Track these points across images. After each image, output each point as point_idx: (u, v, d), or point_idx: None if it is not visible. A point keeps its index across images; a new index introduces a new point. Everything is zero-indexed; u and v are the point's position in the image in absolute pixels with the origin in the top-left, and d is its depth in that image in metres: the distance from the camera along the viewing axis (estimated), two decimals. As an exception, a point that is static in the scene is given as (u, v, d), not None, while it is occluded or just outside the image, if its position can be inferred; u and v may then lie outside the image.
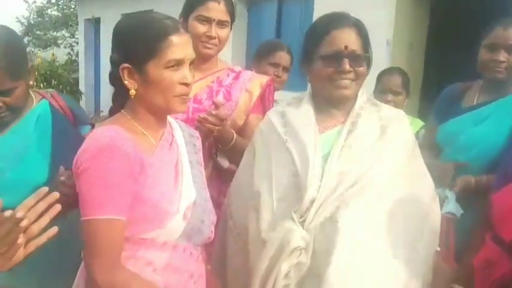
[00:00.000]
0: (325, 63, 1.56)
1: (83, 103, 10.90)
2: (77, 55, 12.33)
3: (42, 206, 0.99)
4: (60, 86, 10.13)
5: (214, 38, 1.95)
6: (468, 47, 2.34)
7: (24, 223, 0.95)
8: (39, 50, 14.22)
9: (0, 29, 1.53)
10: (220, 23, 1.95)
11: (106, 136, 1.28)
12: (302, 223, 1.47)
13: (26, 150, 1.58)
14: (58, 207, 1.02)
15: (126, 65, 1.33)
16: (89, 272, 1.26)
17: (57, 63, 11.61)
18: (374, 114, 1.65)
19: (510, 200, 1.59)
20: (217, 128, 1.83)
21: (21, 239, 0.96)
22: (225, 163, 2.01)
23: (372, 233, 1.48)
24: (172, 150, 1.45)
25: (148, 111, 1.39)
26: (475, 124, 2.13)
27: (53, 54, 12.84)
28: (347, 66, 1.54)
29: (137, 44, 1.32)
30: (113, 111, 1.45)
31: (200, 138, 1.64)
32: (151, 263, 1.33)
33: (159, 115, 1.43)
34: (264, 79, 2.11)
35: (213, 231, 1.49)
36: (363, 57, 1.58)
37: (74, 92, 10.48)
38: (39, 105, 1.68)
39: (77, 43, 12.72)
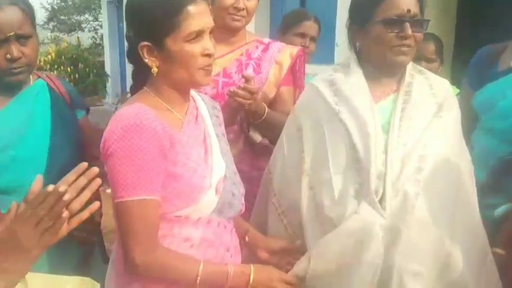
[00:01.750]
0: (387, 27, 1.48)
1: (109, 86, 11.02)
2: (101, 38, 12.41)
3: (82, 181, 0.99)
4: (87, 69, 10.25)
5: (242, 9, 1.90)
6: (502, 5, 2.21)
7: (66, 197, 0.95)
8: (65, 34, 14.38)
9: None
10: None
11: (132, 115, 1.25)
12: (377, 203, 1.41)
13: (26, 126, 1.59)
14: (98, 182, 1.01)
15: (145, 42, 1.29)
16: (126, 253, 1.26)
17: (82, 47, 11.74)
18: (424, 83, 1.61)
19: None
20: (248, 101, 1.79)
21: (65, 214, 0.96)
22: (257, 137, 1.98)
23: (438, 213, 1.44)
24: (199, 124, 1.43)
25: (172, 87, 1.36)
26: None
27: (77, 38, 12.99)
28: (409, 31, 1.47)
29: (153, 19, 1.27)
30: (133, 90, 1.42)
31: (221, 110, 1.60)
32: (188, 239, 1.33)
33: (183, 90, 1.39)
34: (294, 50, 2.05)
35: (244, 203, 1.47)
36: (423, 22, 1.53)
37: (100, 74, 10.59)
38: (37, 83, 1.69)
39: (101, 26, 12.80)
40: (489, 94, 2.07)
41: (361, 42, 1.59)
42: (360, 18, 1.56)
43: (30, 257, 0.96)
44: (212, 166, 1.37)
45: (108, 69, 11.23)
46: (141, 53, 1.30)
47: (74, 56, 10.22)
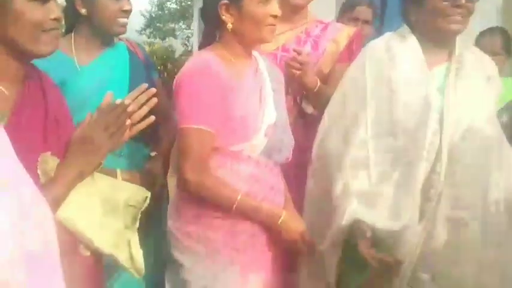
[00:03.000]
0: None
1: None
2: (192, 46, 13.06)
3: (143, 98, 1.21)
4: (176, 70, 10.84)
5: None
6: None
7: (130, 108, 1.18)
8: (159, 40, 15.32)
9: None
10: None
11: (201, 60, 1.54)
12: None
13: (107, 80, 1.81)
14: (155, 100, 1.23)
15: (225, 1, 1.54)
16: (180, 172, 1.50)
17: (174, 52, 12.43)
18: (476, 56, 1.71)
19: None
20: (297, 72, 1.93)
21: (128, 121, 1.19)
22: (309, 108, 2.11)
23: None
24: (258, 77, 1.65)
25: (240, 42, 1.60)
26: None
27: (169, 45, 13.84)
28: (462, 1, 1.56)
29: None
30: (202, 46, 1.65)
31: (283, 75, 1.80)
32: (237, 172, 1.54)
33: (249, 46, 1.64)
34: (352, 30, 2.17)
35: (291, 152, 1.67)
36: None
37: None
38: (119, 44, 1.94)
39: (192, 35, 13.49)
40: None
41: (416, 14, 1.68)
42: None
43: (100, 154, 1.19)
44: (264, 112, 1.59)
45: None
46: (219, 11, 1.55)
47: (164, 57, 10.91)
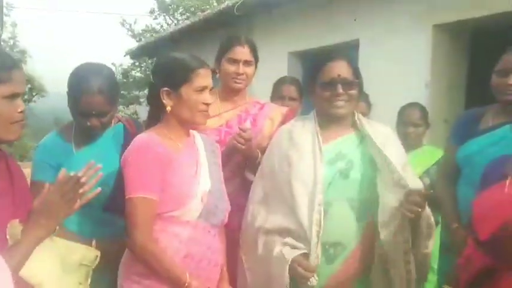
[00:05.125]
0: (324, 88, 1.95)
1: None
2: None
3: (91, 172, 1.49)
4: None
5: (242, 74, 2.41)
6: None
7: (83, 179, 1.45)
8: (124, 107, 15.60)
9: (102, 67, 2.10)
10: (246, 63, 2.41)
11: (143, 139, 1.82)
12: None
13: (103, 158, 1.95)
14: (100, 174, 1.50)
15: (166, 88, 1.84)
16: (129, 236, 1.73)
17: (138, 118, 12.72)
18: (372, 128, 2.02)
19: (483, 205, 1.82)
20: (242, 146, 2.24)
21: (81, 190, 1.45)
22: (251, 176, 2.40)
23: None
24: (194, 152, 1.93)
25: (178, 123, 1.89)
26: (491, 145, 2.26)
27: (134, 112, 14.16)
28: (340, 90, 1.92)
29: (176, 73, 1.84)
30: (147, 125, 1.95)
31: (222, 153, 2.13)
32: (177, 235, 1.79)
33: (186, 126, 1.92)
34: (285, 109, 2.54)
35: (227, 216, 1.93)
36: (354, 83, 1.96)
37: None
38: (116, 126, 2.19)
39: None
40: (470, 149, 2.35)
41: (313, 99, 2.05)
42: (310, 80, 2.04)
43: (58, 218, 1.43)
44: (199, 181, 1.86)
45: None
46: (161, 96, 1.83)
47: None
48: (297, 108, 2.99)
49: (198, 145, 1.97)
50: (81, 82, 2.00)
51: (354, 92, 1.95)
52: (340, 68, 1.95)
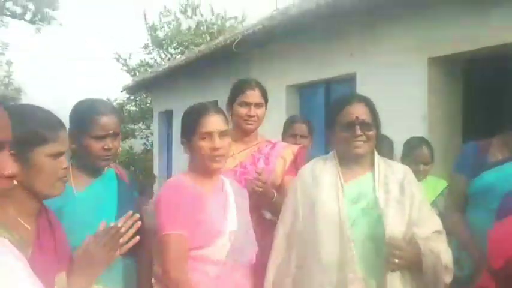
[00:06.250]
0: (343, 130, 2.04)
1: (156, 185, 11.81)
2: (152, 145, 13.51)
3: (129, 222, 1.57)
4: (137, 171, 11.21)
5: (254, 116, 2.51)
6: (506, 115, 2.59)
7: (122, 230, 1.54)
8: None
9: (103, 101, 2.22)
10: (257, 105, 2.52)
11: (175, 180, 2.01)
12: None
13: (99, 207, 2.06)
14: (139, 224, 1.59)
15: (184, 139, 2.02)
16: (163, 272, 1.86)
17: (134, 152, 12.78)
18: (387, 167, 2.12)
19: (499, 234, 1.90)
20: (259, 188, 2.33)
21: (121, 240, 1.54)
22: (268, 214, 2.47)
23: None
24: (222, 195, 2.05)
25: (199, 168, 2.05)
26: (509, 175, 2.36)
27: (130, 146, 14.23)
28: (358, 132, 2.01)
29: (187, 124, 2.03)
30: None
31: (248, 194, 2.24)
32: (207, 273, 1.90)
33: (206, 170, 2.05)
34: (295, 148, 2.63)
35: (254, 257, 2.04)
36: (372, 124, 2.06)
37: (148, 176, 11.47)
38: (109, 171, 2.22)
39: (152, 134, 13.98)
40: (488, 179, 2.47)
41: (331, 139, 2.14)
42: (328, 122, 2.14)
43: (99, 267, 1.52)
44: (227, 220, 1.97)
45: (156, 171, 12.10)
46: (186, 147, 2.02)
47: (127, 160, 11.28)
48: (307, 145, 3.09)
49: (227, 189, 2.10)
50: (93, 106, 2.07)
51: (371, 133, 2.04)
52: (358, 110, 2.04)
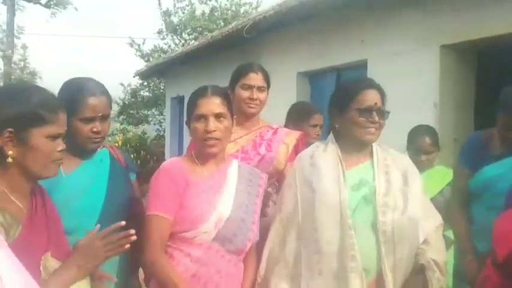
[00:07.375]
0: (360, 114, 1.98)
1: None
2: (165, 131, 13.55)
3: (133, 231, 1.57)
4: (148, 156, 11.27)
5: (256, 99, 2.48)
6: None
7: (133, 238, 1.55)
8: (133, 126, 15.74)
9: (90, 78, 2.09)
10: (259, 89, 2.49)
11: (166, 163, 1.99)
12: None
13: (90, 184, 2.05)
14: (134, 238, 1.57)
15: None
16: (143, 251, 1.84)
17: (146, 137, 12.84)
18: (390, 155, 2.09)
19: (504, 225, 1.86)
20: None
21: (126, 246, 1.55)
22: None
23: None
24: (221, 179, 2.01)
25: (199, 152, 2.04)
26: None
27: (143, 131, 14.32)
28: (376, 118, 1.98)
29: (187, 106, 2.01)
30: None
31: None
32: (189, 255, 1.88)
33: (204, 157, 2.03)
34: (298, 134, 2.60)
35: (248, 245, 1.98)
36: (385, 112, 2.03)
37: (160, 161, 11.50)
38: (102, 151, 2.17)
39: (165, 119, 14.02)
40: (488, 176, 2.42)
41: (339, 122, 2.08)
42: (340, 105, 2.07)
43: (95, 263, 1.52)
44: (216, 206, 1.92)
45: (167, 156, 12.12)
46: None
47: (138, 145, 11.34)
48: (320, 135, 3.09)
49: (230, 173, 2.04)
50: (81, 87, 1.98)
51: (383, 122, 2.02)
52: (375, 96, 2.01)
